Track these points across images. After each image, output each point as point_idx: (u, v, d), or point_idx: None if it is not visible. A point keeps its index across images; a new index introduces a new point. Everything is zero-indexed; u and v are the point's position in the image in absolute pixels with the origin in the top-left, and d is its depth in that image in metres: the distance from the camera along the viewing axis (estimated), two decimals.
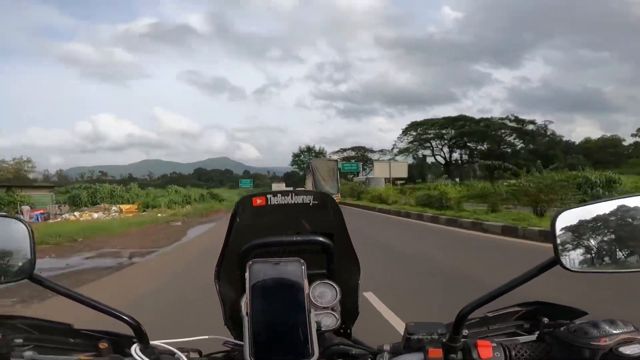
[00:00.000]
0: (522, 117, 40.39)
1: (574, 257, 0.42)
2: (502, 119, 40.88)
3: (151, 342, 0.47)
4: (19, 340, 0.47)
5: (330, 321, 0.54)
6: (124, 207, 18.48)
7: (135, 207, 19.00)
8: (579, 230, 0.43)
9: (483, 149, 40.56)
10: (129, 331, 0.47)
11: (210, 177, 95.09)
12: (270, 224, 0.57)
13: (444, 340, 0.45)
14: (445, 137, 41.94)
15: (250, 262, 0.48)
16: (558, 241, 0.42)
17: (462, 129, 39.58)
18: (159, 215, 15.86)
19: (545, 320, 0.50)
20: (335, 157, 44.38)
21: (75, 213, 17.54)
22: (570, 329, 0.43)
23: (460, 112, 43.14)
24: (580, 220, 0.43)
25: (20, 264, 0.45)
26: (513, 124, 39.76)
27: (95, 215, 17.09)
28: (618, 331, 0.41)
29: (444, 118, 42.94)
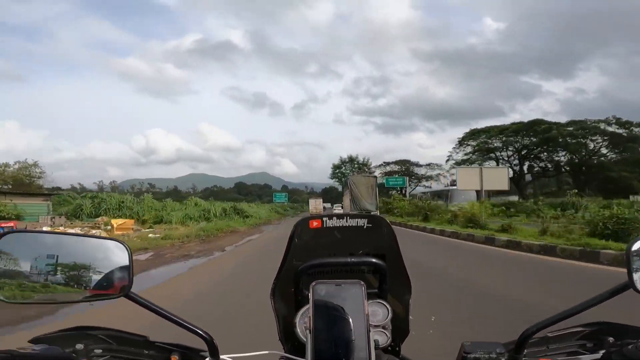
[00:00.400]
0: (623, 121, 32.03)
1: None
2: (596, 121, 32.83)
3: (221, 356, 0.52)
4: (99, 351, 0.52)
5: (381, 339, 0.56)
6: (117, 222, 14.53)
7: (131, 223, 15.20)
8: None
9: (562, 158, 34.23)
10: (201, 345, 0.53)
11: (249, 192, 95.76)
12: (325, 245, 0.61)
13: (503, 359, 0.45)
14: (515, 145, 35.74)
15: (314, 283, 0.52)
16: (632, 267, 0.44)
17: (547, 134, 32.14)
18: (151, 235, 12.31)
19: (611, 339, 0.49)
20: (378, 171, 43.36)
21: (61, 227, 14.11)
22: (639, 346, 0.43)
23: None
24: None
25: (119, 282, 0.52)
26: (613, 128, 31.73)
27: (80, 231, 13.19)
28: None
29: (514, 124, 36.79)
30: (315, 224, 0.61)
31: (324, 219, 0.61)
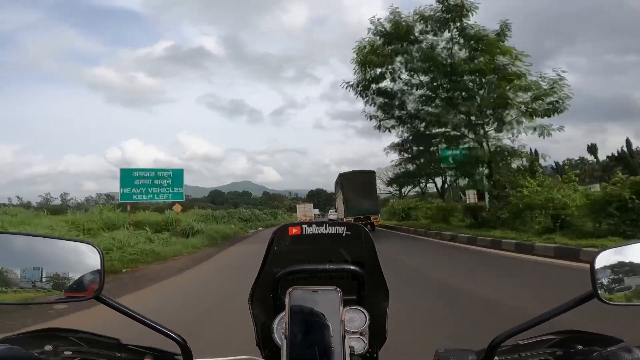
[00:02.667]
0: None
1: (610, 292, 0.49)
2: None
3: None
4: (68, 353, 0.53)
5: (358, 345, 0.60)
6: None
7: None
8: (617, 268, 0.50)
9: None
10: (174, 348, 0.56)
11: (225, 200, 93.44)
12: (304, 252, 0.64)
13: None
14: None
15: (291, 289, 0.56)
16: (597, 277, 0.49)
17: None
18: None
19: (579, 347, 0.53)
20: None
21: None
22: (603, 354, 0.47)
23: None
24: (618, 260, 0.51)
25: (90, 284, 0.55)
26: None
27: None
28: (637, 347, 0.46)
29: None
30: (294, 230, 0.64)
31: (303, 226, 0.65)
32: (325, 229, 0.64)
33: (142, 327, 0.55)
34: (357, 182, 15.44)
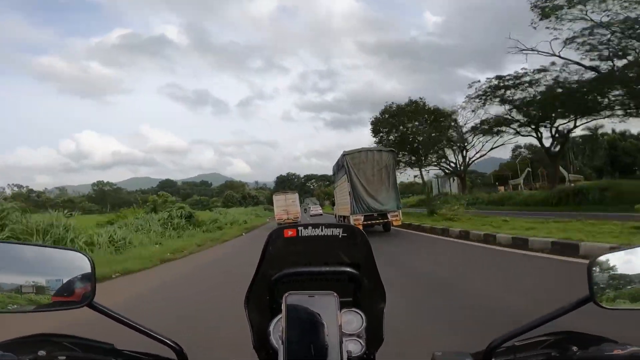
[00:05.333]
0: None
1: (607, 296, 0.55)
2: None
3: None
4: (62, 358, 0.55)
5: (355, 348, 0.63)
6: None
7: None
8: (614, 273, 0.56)
9: None
10: (171, 354, 0.60)
11: (177, 191, 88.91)
12: (300, 255, 0.69)
13: None
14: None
15: (287, 294, 0.59)
16: (594, 281, 0.55)
17: None
18: None
19: (575, 348, 0.57)
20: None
21: None
22: (597, 355, 0.52)
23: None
24: (615, 264, 0.56)
25: (82, 292, 0.58)
26: None
27: None
28: (630, 347, 0.52)
29: None
30: (290, 233, 0.68)
31: (299, 228, 0.69)
32: (322, 230, 0.68)
33: (133, 333, 0.58)
34: (369, 165, 11.48)
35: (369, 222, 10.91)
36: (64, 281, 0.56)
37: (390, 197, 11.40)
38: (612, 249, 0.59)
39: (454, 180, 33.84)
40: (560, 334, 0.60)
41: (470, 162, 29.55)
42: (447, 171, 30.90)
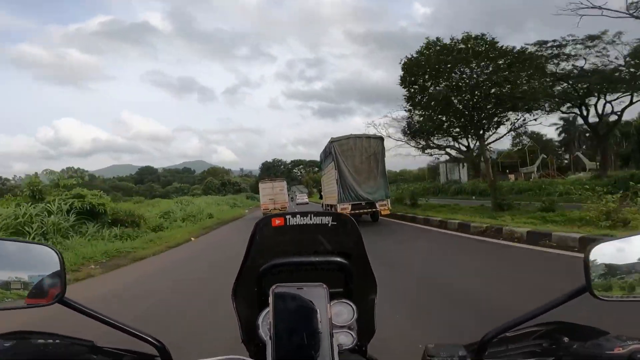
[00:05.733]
0: None
1: (604, 286, 0.53)
2: None
3: None
4: (41, 357, 0.53)
5: (346, 339, 0.63)
6: None
7: None
8: (612, 262, 0.54)
9: None
10: (152, 351, 0.57)
11: (157, 178, 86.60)
12: (289, 244, 0.67)
13: None
14: None
15: (275, 287, 0.57)
16: (591, 271, 0.53)
17: None
18: None
19: (566, 339, 0.57)
20: None
21: None
22: (587, 346, 0.52)
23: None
24: (613, 253, 0.54)
25: (51, 289, 0.55)
26: None
27: None
28: (630, 342, 0.50)
29: None
30: (277, 222, 0.66)
31: (287, 217, 0.67)
32: (310, 219, 0.67)
33: (109, 330, 0.55)
34: (358, 153, 11.30)
35: (357, 211, 10.75)
36: (32, 277, 0.54)
37: (378, 185, 11.20)
38: (612, 237, 0.56)
39: (463, 166, 30.66)
40: (551, 325, 0.60)
41: (488, 143, 26.61)
42: (451, 155, 28.75)
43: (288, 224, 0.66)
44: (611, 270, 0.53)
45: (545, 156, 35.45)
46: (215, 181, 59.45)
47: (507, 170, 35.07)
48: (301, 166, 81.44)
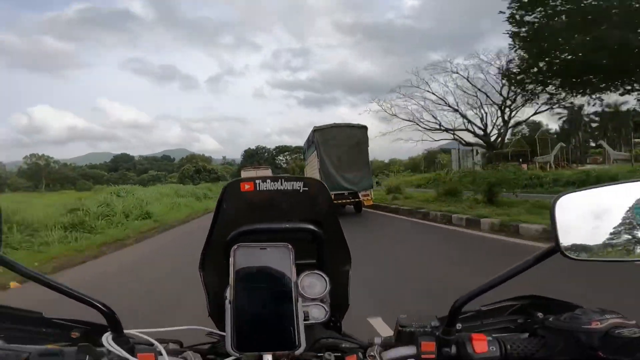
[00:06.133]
0: None
1: (575, 245, 0.47)
2: None
3: (126, 332, 0.52)
4: None
5: (319, 313, 0.61)
6: None
7: None
8: (580, 216, 0.48)
9: None
10: (104, 321, 0.53)
11: (133, 165, 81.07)
12: (258, 211, 0.64)
13: (437, 333, 0.52)
14: None
15: (235, 247, 0.54)
16: (558, 227, 0.47)
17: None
18: None
19: (540, 314, 0.57)
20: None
21: None
22: (561, 317, 0.51)
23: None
24: (582, 206, 0.48)
25: None
26: None
27: None
28: (608, 317, 0.48)
29: None
30: (247, 187, 0.63)
31: (257, 181, 0.64)
32: (281, 184, 0.64)
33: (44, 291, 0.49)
34: (341, 142, 11.09)
35: (340, 201, 10.61)
36: None
37: (362, 175, 11.09)
38: (578, 189, 0.49)
39: (477, 152, 27.31)
40: (525, 299, 0.60)
41: (509, 126, 21.38)
42: (463, 142, 23.70)
43: (258, 189, 0.64)
44: (581, 226, 0.47)
45: (563, 145, 31.47)
46: (190, 168, 53.76)
47: (520, 160, 31.05)
48: (287, 153, 73.67)
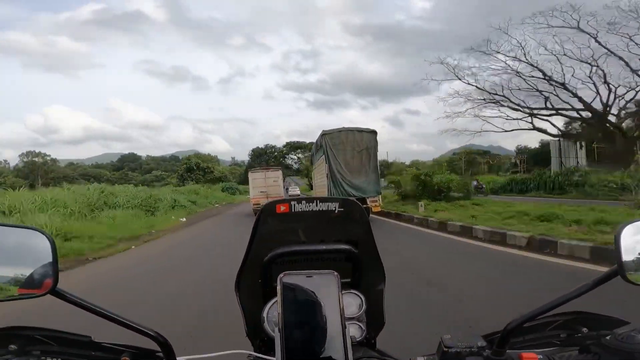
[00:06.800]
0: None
1: (638, 270, 0.50)
2: None
3: (178, 358, 0.55)
4: (36, 352, 0.54)
5: (355, 332, 0.63)
6: None
7: None
8: None
9: None
10: (152, 345, 0.56)
11: (139, 165, 79.41)
12: (293, 232, 0.67)
13: (485, 353, 0.52)
14: None
15: (282, 274, 0.56)
16: (622, 252, 0.50)
17: None
18: None
19: (585, 330, 0.57)
20: None
21: None
22: (617, 336, 0.51)
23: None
24: None
25: (43, 278, 0.52)
26: None
27: None
28: None
29: None
30: (282, 208, 0.65)
31: (292, 203, 0.66)
32: (316, 205, 0.66)
33: (100, 322, 0.51)
34: (349, 147, 11.17)
35: None
36: (20, 264, 0.50)
37: (370, 181, 11.16)
38: None
39: (581, 146, 22.13)
40: (569, 315, 0.59)
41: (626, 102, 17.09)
42: (557, 131, 19.52)
43: (293, 210, 0.66)
44: None
45: None
46: (181, 167, 47.80)
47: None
48: (299, 150, 66.35)
